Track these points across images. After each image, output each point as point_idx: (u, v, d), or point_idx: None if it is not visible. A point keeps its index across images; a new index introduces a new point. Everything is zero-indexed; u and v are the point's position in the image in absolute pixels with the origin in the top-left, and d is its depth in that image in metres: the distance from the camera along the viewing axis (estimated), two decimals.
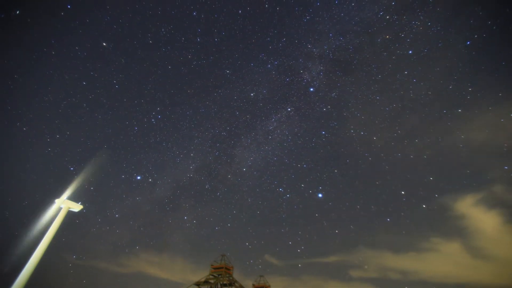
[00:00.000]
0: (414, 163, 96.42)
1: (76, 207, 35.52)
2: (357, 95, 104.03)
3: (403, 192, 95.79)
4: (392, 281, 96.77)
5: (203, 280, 68.02)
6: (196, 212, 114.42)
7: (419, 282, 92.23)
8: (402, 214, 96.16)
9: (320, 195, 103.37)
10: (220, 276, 68.66)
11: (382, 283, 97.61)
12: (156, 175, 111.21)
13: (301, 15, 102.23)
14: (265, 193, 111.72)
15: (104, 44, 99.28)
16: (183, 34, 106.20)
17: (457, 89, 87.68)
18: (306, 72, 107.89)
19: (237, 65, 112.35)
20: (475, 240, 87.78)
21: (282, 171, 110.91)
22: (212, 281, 67.98)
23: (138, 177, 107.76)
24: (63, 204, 34.31)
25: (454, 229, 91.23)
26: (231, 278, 68.99)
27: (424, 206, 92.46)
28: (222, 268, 69.17)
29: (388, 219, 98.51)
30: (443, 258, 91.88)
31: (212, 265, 70.68)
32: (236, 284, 68.68)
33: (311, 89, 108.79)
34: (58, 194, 35.21)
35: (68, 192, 35.76)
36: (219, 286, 68.35)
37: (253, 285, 76.30)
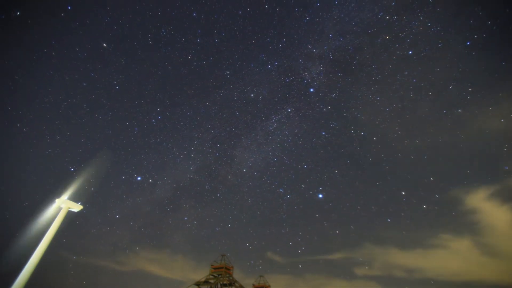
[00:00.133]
0: (415, 164, 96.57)
1: (76, 207, 35.49)
2: (357, 96, 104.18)
3: (403, 193, 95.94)
4: (397, 279, 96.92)
5: (203, 280, 68.00)
6: (197, 213, 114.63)
7: (425, 280, 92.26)
8: (403, 214, 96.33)
9: (320, 196, 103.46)
10: (220, 276, 68.65)
11: (387, 281, 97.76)
12: (157, 175, 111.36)
13: (301, 16, 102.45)
14: (266, 194, 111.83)
15: (104, 45, 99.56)
16: (183, 35, 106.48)
17: (457, 90, 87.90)
18: (306, 72, 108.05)
19: (237, 65, 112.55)
20: (486, 236, 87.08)
21: (282, 172, 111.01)
22: (212, 281, 67.96)
23: (139, 178, 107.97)
24: (63, 204, 34.28)
25: (465, 224, 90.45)
26: (231, 278, 68.96)
27: (424, 206, 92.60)
28: (222, 268, 69.15)
29: (389, 220, 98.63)
30: (451, 255, 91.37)
31: (212, 265, 70.66)
32: (236, 284, 68.64)
33: (311, 90, 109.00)
34: (58, 194, 35.17)
35: (68, 192, 35.77)
36: (219, 286, 68.33)
37: (253, 285, 76.25)
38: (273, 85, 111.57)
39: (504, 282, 77.61)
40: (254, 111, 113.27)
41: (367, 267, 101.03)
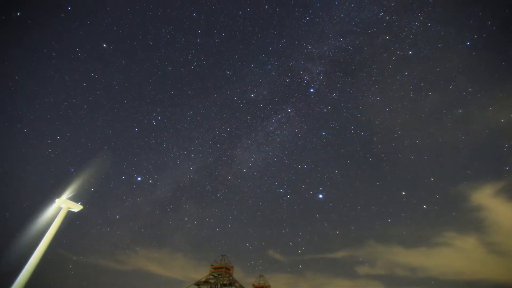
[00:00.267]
0: (415, 164, 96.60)
1: (76, 207, 35.49)
2: (357, 96, 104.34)
3: (403, 193, 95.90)
4: (400, 278, 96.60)
5: (203, 280, 68.01)
6: (197, 213, 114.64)
7: (428, 279, 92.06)
8: (403, 214, 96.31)
9: (320, 196, 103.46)
10: (220, 276, 68.64)
11: (390, 280, 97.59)
12: (157, 176, 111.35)
13: (301, 16, 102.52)
14: (266, 194, 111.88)
15: (105, 45, 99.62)
16: (183, 35, 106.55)
17: (457, 90, 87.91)
18: (306, 73, 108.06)
19: (237, 66, 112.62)
20: (492, 234, 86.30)
21: (282, 172, 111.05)
22: (212, 281, 67.96)
23: (139, 178, 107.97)
24: (63, 204, 34.28)
25: (470, 222, 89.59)
26: (231, 278, 68.96)
27: (424, 206, 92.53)
28: (222, 268, 69.18)
29: (389, 220, 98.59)
30: (455, 253, 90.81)
31: (212, 265, 70.67)
32: (236, 284, 68.64)
33: (311, 90, 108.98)
34: (58, 194, 35.20)
35: (68, 192, 35.78)
36: (219, 286, 68.33)
37: (253, 285, 76.26)
38: (273, 85, 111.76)
39: (510, 281, 77.18)
40: (254, 112, 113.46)
41: (367, 266, 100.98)
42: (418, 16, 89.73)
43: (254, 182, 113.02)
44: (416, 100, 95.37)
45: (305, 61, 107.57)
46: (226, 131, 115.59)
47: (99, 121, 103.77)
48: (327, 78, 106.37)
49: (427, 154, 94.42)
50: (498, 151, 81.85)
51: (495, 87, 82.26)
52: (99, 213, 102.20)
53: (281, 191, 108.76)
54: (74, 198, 35.90)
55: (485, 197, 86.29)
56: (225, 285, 68.11)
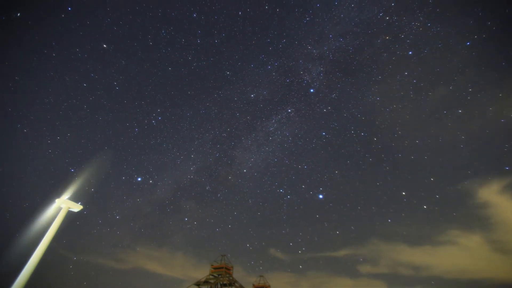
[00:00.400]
0: (415, 164, 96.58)
1: (76, 207, 35.54)
2: (357, 96, 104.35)
3: (404, 193, 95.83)
4: (403, 277, 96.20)
5: (203, 280, 68.03)
6: (197, 214, 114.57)
7: (432, 278, 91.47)
8: (403, 214, 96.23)
9: (320, 196, 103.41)
10: (220, 276, 68.66)
11: (393, 279, 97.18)
12: (157, 176, 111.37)
13: (301, 17, 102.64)
14: (266, 194, 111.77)
15: (105, 45, 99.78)
16: (183, 36, 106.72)
17: (457, 90, 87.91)
18: (306, 73, 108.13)
19: (237, 66, 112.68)
20: (498, 232, 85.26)
21: (282, 172, 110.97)
22: (212, 281, 67.98)
23: (139, 179, 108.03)
24: (64, 204, 34.33)
25: (476, 219, 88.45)
26: (231, 278, 68.97)
27: (425, 207, 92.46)
28: (222, 268, 69.20)
29: (389, 220, 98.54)
30: (460, 251, 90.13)
31: (212, 265, 70.72)
32: (236, 284, 68.65)
33: (311, 90, 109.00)
34: (58, 195, 35.25)
35: (68, 192, 35.83)
36: (219, 286, 68.35)
37: (253, 285, 76.27)
38: (273, 85, 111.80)
39: None
40: (254, 112, 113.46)
41: (370, 264, 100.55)
42: (418, 17, 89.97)
43: (254, 183, 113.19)
44: (416, 100, 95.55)
45: (305, 61, 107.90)
46: (226, 132, 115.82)
47: (99, 121, 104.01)
48: (327, 79, 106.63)
49: (427, 154, 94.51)
50: (498, 151, 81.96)
51: (495, 87, 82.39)
52: (99, 213, 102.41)
53: (281, 192, 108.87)
54: (74, 198, 35.97)
55: (491, 193, 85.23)
56: (225, 285, 68.11)
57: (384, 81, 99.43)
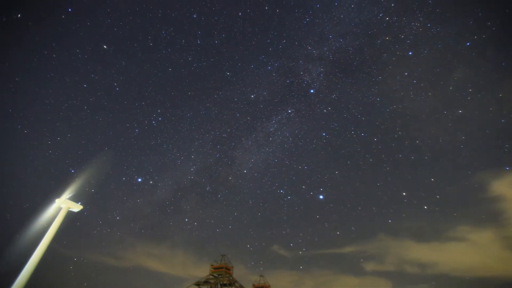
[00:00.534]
0: (415, 164, 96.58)
1: (76, 207, 35.57)
2: (358, 97, 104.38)
3: (404, 193, 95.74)
4: (409, 275, 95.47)
5: (203, 280, 68.04)
6: (197, 214, 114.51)
7: (438, 276, 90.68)
8: (404, 215, 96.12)
9: (321, 197, 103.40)
10: (220, 276, 68.63)
11: (398, 277, 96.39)
12: (157, 177, 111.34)
13: (301, 17, 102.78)
14: (266, 195, 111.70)
15: (105, 46, 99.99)
16: (183, 37, 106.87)
17: (457, 90, 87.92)
18: (306, 73, 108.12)
19: (237, 67, 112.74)
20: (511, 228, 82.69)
21: (283, 173, 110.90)
22: (212, 281, 67.96)
23: (139, 179, 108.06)
24: (64, 204, 34.36)
25: (487, 214, 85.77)
26: (231, 278, 68.94)
27: (425, 207, 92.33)
28: (222, 268, 69.18)
29: (390, 220, 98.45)
30: (469, 248, 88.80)
31: (212, 265, 70.72)
32: (236, 284, 68.62)
33: (312, 91, 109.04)
34: (58, 195, 35.27)
35: (68, 193, 35.84)
36: (219, 286, 68.32)
37: (253, 285, 76.24)
38: (273, 86, 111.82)
39: None
40: (254, 112, 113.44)
41: (375, 262, 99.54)
42: (418, 17, 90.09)
43: (255, 183, 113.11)
44: (416, 101, 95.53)
45: (305, 62, 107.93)
46: (227, 132, 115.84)
47: (100, 122, 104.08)
48: (327, 79, 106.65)
49: (427, 154, 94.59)
50: (499, 151, 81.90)
51: (495, 87, 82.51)
52: (99, 214, 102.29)
53: (282, 192, 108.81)
54: (74, 199, 35.99)
55: (505, 186, 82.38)
56: (225, 285, 68.07)
57: (384, 82, 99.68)
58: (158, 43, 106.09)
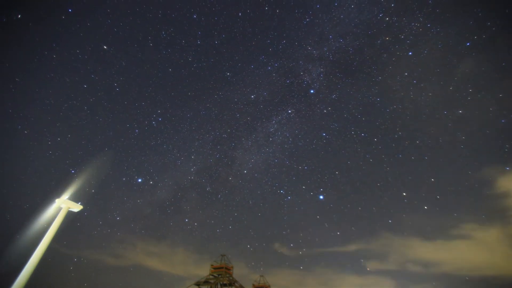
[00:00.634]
0: (415, 164, 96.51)
1: (76, 207, 35.55)
2: (358, 97, 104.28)
3: (404, 194, 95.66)
4: (412, 274, 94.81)
5: (203, 280, 68.08)
6: (197, 215, 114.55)
7: (442, 275, 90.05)
8: (404, 215, 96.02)
9: (321, 197, 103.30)
10: (220, 276, 68.63)
11: (401, 276, 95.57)
12: (157, 177, 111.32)
13: (301, 18, 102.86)
14: (266, 195, 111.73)
15: (105, 47, 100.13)
16: (183, 37, 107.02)
17: (457, 90, 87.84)
18: (306, 74, 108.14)
19: (238, 67, 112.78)
20: None
21: (283, 173, 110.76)
22: (212, 281, 67.97)
23: (139, 180, 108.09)
24: (63, 204, 34.34)
25: (494, 211, 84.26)
26: (231, 278, 68.95)
27: (425, 207, 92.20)
28: (222, 268, 69.21)
29: (390, 221, 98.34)
30: (474, 246, 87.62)
31: (212, 265, 70.75)
32: (236, 284, 68.63)
33: (312, 91, 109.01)
34: (59, 196, 35.26)
35: (68, 193, 35.84)
36: (219, 286, 68.33)
37: (253, 285, 76.17)
38: (273, 86, 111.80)
39: None
40: (254, 113, 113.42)
41: (378, 261, 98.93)
42: (417, 17, 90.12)
43: (255, 183, 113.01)
44: (416, 101, 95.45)
45: (305, 62, 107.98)
46: (227, 132, 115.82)
47: (100, 122, 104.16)
48: (327, 79, 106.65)
49: (428, 155, 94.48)
50: (499, 151, 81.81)
51: (495, 87, 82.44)
52: (99, 214, 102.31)
53: (282, 192, 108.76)
54: (75, 199, 35.98)
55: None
56: (225, 285, 68.11)
57: (384, 82, 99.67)
58: (158, 43, 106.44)
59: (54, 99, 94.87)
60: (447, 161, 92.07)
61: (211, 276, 69.05)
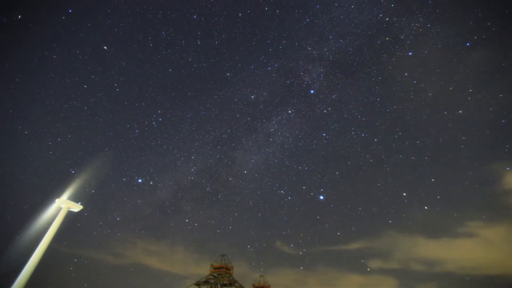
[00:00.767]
0: (415, 165, 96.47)
1: (76, 207, 35.54)
2: (358, 97, 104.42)
3: (404, 194, 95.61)
4: (415, 273, 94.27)
5: (203, 280, 68.10)
6: (198, 215, 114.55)
7: (445, 274, 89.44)
8: (404, 215, 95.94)
9: (321, 197, 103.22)
10: (220, 276, 68.64)
11: (404, 275, 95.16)
12: (157, 178, 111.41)
13: (301, 18, 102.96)
14: (266, 196, 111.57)
15: (105, 47, 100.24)
16: (183, 37, 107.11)
17: (457, 90, 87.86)
18: (307, 74, 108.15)
19: (238, 67, 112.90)
20: None
21: (283, 173, 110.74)
22: (212, 281, 67.97)
23: (139, 180, 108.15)
24: (63, 204, 34.33)
25: (500, 207, 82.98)
26: (231, 278, 68.96)
27: (426, 207, 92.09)
28: (222, 268, 69.25)
29: (390, 221, 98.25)
30: (479, 244, 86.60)
31: (212, 265, 70.77)
32: (236, 284, 68.64)
33: (312, 91, 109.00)
34: (59, 196, 35.25)
35: (68, 192, 35.84)
36: (219, 286, 68.34)
37: (253, 285, 76.16)
38: (273, 86, 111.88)
39: None
40: (254, 113, 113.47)
41: (380, 259, 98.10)
42: (417, 17, 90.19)
43: (255, 184, 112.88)
44: (416, 101, 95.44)
45: (305, 62, 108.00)
46: (227, 133, 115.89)
47: (100, 123, 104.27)
48: (327, 80, 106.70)
49: (428, 155, 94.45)
50: (499, 151, 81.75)
51: (495, 87, 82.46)
52: (99, 214, 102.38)
53: (282, 193, 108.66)
54: (75, 200, 35.97)
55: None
56: (225, 285, 68.16)
57: (384, 82, 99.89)
58: (158, 44, 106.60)
59: (54, 100, 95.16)
60: (447, 161, 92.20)
61: (211, 276, 69.11)
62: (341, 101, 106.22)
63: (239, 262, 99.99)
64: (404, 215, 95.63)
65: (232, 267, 71.45)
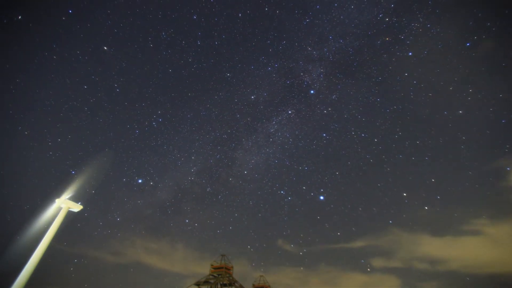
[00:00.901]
0: (416, 165, 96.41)
1: (76, 207, 35.61)
2: (358, 97, 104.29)
3: (405, 194, 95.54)
4: (418, 272, 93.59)
5: (203, 280, 68.11)
6: (198, 215, 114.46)
7: (448, 273, 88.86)
8: (404, 216, 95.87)
9: (321, 197, 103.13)
10: (220, 276, 68.64)
11: (407, 274, 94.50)
12: (158, 178, 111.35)
13: (301, 18, 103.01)
14: (267, 196, 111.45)
15: (105, 48, 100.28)
16: (183, 38, 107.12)
17: (457, 91, 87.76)
18: (307, 74, 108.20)
19: (238, 68, 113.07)
20: None
21: (283, 174, 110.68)
22: (212, 281, 67.97)
23: (140, 181, 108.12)
24: (63, 204, 34.40)
25: (508, 205, 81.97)
26: (231, 278, 68.95)
27: (426, 208, 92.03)
28: (222, 268, 69.26)
29: (390, 221, 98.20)
30: (485, 243, 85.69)
31: (212, 265, 70.77)
32: (236, 284, 68.63)
33: (312, 92, 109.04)
34: (59, 196, 35.30)
35: (68, 193, 35.89)
36: (219, 286, 68.33)
37: (253, 285, 76.15)
38: (273, 87, 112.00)
39: None
40: (254, 113, 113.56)
41: (383, 258, 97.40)
42: (417, 18, 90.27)
43: (255, 184, 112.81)
44: (416, 101, 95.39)
45: (305, 62, 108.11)
46: (227, 133, 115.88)
47: (100, 123, 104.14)
48: (327, 80, 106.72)
49: (428, 155, 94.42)
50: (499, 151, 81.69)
51: (495, 88, 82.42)
52: (99, 215, 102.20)
53: (282, 193, 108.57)
54: (75, 200, 36.03)
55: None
56: (225, 285, 68.15)
57: (384, 82, 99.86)
58: (158, 44, 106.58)
59: (55, 100, 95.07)
60: (447, 161, 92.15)
61: (211, 276, 69.12)
62: (341, 101, 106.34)
63: (239, 262, 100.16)
64: (404, 215, 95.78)
65: (232, 267, 71.46)
